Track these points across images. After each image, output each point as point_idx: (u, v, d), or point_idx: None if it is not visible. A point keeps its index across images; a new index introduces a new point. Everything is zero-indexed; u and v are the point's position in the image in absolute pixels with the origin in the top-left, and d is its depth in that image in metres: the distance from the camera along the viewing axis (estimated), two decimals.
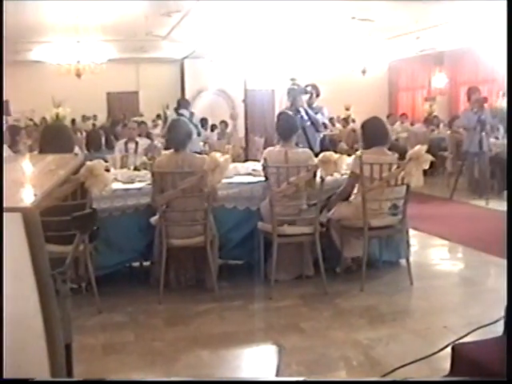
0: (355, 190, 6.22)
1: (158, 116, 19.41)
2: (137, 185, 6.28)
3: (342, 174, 6.38)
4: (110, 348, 4.77)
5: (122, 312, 5.52)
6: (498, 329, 4.59)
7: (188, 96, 21.31)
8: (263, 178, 6.15)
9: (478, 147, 11.12)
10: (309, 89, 8.87)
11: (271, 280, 5.84)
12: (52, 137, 5.65)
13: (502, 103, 15.82)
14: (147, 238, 6.16)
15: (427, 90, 21.12)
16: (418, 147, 5.97)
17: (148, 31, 15.23)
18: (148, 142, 10.39)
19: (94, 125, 19.21)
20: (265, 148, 7.89)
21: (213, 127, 16.34)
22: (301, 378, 4.16)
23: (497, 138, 12.58)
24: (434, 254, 7.55)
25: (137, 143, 9.76)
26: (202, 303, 5.68)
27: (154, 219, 5.95)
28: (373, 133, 6.37)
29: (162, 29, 15.25)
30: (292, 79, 8.75)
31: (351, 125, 19.24)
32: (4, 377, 2.03)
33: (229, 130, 16.88)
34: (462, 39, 16.93)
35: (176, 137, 6.02)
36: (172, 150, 6.03)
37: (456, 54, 19.26)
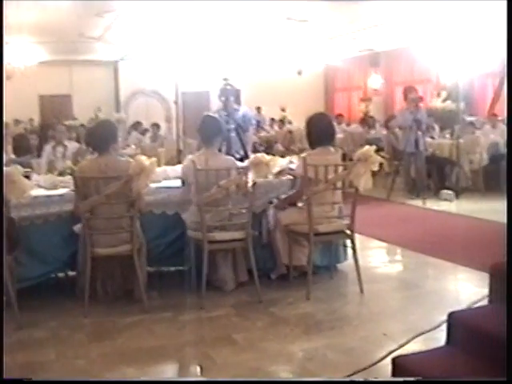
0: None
1: (92, 119, 18.92)
2: (59, 191, 5.95)
3: (276, 176, 6.16)
4: (27, 368, 4.43)
5: (44, 327, 5.17)
6: (438, 335, 4.45)
7: (122, 98, 21.00)
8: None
9: (414, 147, 11.06)
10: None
11: (203, 289, 5.56)
12: None
13: (437, 103, 15.94)
14: (72, 246, 5.85)
15: (363, 90, 21.17)
16: (366, 148, 5.72)
17: (80, 32, 14.88)
18: (77, 145, 10.05)
19: (25, 129, 18.68)
20: (198, 150, 7.62)
21: (144, 131, 16.00)
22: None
23: (432, 138, 12.58)
24: (371, 257, 7.36)
25: (65, 147, 9.42)
26: (129, 315, 5.38)
27: (77, 227, 5.64)
28: (318, 131, 6.13)
29: (95, 30, 14.93)
30: (225, 79, 8.53)
31: (287, 126, 19.15)
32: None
33: (163, 132, 16.55)
34: (397, 40, 17.02)
35: (98, 140, 5.70)
36: (95, 155, 5.72)
37: (391, 54, 19.36)
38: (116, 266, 5.84)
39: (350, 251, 6.28)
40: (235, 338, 4.86)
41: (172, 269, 6.42)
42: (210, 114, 6.95)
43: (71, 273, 6.16)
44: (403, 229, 8.89)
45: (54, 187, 6.05)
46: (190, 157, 6.10)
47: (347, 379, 3.71)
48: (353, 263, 6.00)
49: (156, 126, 15.57)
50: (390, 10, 12.75)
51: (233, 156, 7.08)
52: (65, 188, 5.99)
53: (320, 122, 6.24)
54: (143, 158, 5.43)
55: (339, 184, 5.93)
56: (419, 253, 7.34)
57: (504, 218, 8.82)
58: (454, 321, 3.47)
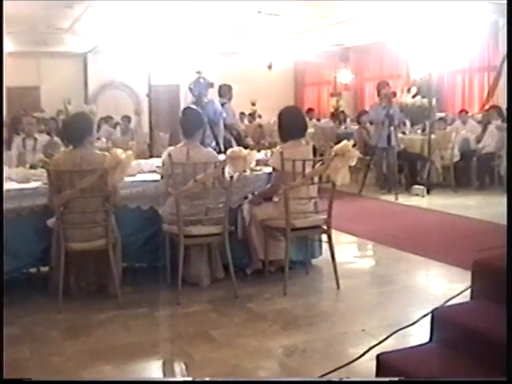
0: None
1: (60, 111, 18.66)
2: (32, 184, 5.83)
3: (252, 170, 6.11)
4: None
5: (16, 324, 5.04)
6: (416, 330, 4.45)
7: (91, 91, 20.76)
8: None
9: (386, 142, 11.07)
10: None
11: (178, 284, 5.49)
12: None
13: (407, 99, 15.99)
14: (44, 241, 5.73)
15: (333, 85, 21.17)
16: (343, 142, 5.68)
17: (49, 24, 14.63)
18: (47, 138, 9.90)
19: None
20: (170, 144, 7.55)
21: (115, 125, 15.84)
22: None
23: (404, 133, 12.62)
24: (344, 252, 7.32)
25: (35, 140, 9.27)
26: (104, 311, 5.29)
27: (51, 221, 5.54)
28: (290, 124, 6.11)
29: (65, 21, 14.69)
30: (198, 72, 8.42)
31: (257, 120, 19.12)
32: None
33: (133, 125, 16.41)
34: (367, 35, 17.02)
35: (74, 132, 5.60)
36: (70, 148, 5.62)
37: (361, 49, 19.39)
38: (90, 260, 5.75)
39: (324, 246, 6.27)
40: (213, 334, 4.81)
41: (145, 265, 6.33)
42: (192, 106, 6.87)
43: (43, 268, 6.03)
44: (376, 223, 8.91)
45: (26, 180, 5.93)
46: (170, 148, 6.03)
47: (331, 379, 3.68)
48: (327, 258, 6.01)
49: (127, 118, 15.44)
50: (360, 5, 12.75)
51: None
52: (37, 181, 5.88)
53: (292, 115, 6.23)
54: (119, 152, 5.35)
55: (316, 179, 5.90)
56: (392, 247, 7.36)
57: (476, 214, 9.00)
58: (439, 317, 3.45)
